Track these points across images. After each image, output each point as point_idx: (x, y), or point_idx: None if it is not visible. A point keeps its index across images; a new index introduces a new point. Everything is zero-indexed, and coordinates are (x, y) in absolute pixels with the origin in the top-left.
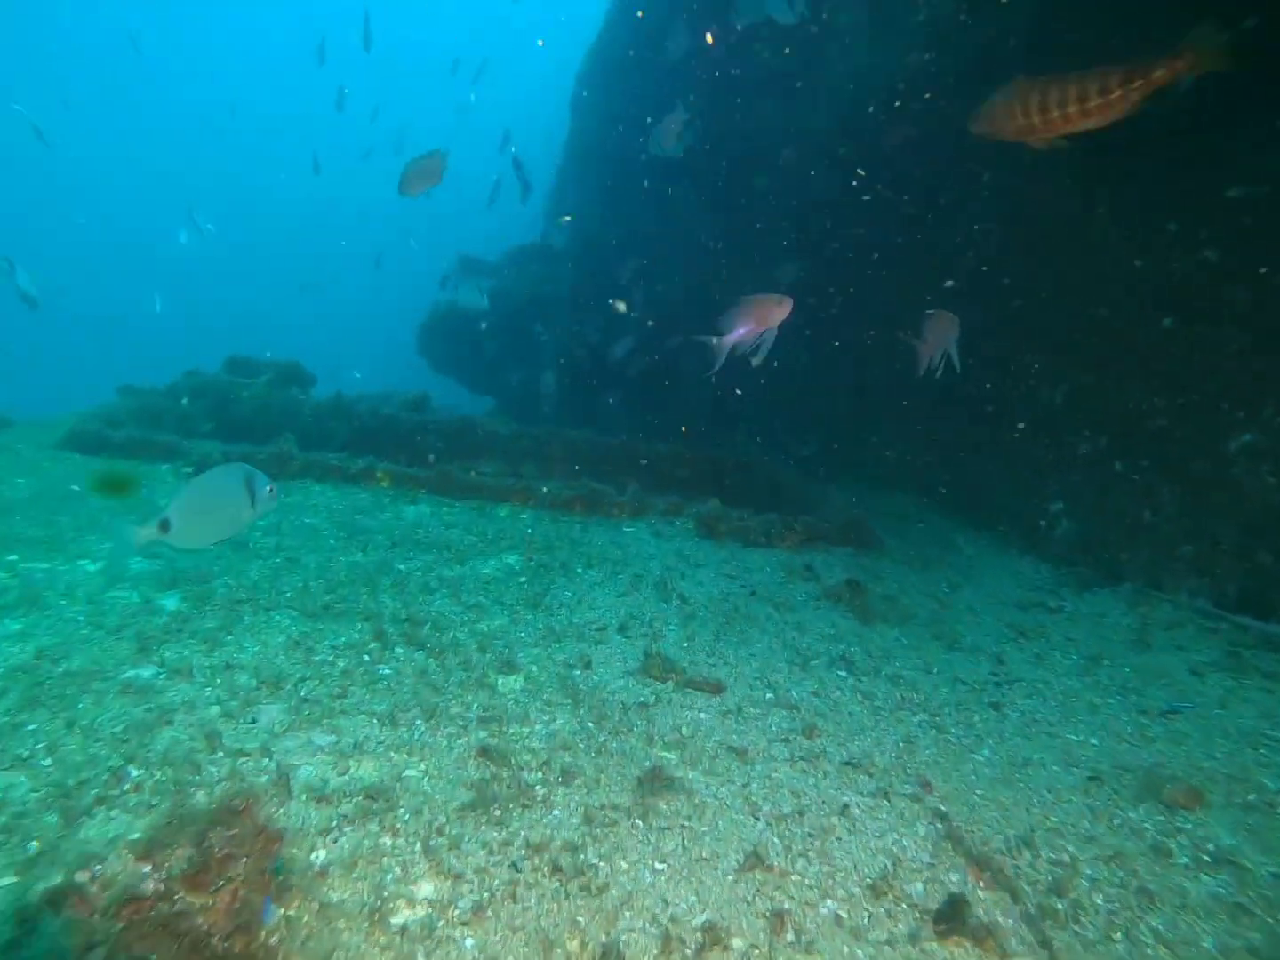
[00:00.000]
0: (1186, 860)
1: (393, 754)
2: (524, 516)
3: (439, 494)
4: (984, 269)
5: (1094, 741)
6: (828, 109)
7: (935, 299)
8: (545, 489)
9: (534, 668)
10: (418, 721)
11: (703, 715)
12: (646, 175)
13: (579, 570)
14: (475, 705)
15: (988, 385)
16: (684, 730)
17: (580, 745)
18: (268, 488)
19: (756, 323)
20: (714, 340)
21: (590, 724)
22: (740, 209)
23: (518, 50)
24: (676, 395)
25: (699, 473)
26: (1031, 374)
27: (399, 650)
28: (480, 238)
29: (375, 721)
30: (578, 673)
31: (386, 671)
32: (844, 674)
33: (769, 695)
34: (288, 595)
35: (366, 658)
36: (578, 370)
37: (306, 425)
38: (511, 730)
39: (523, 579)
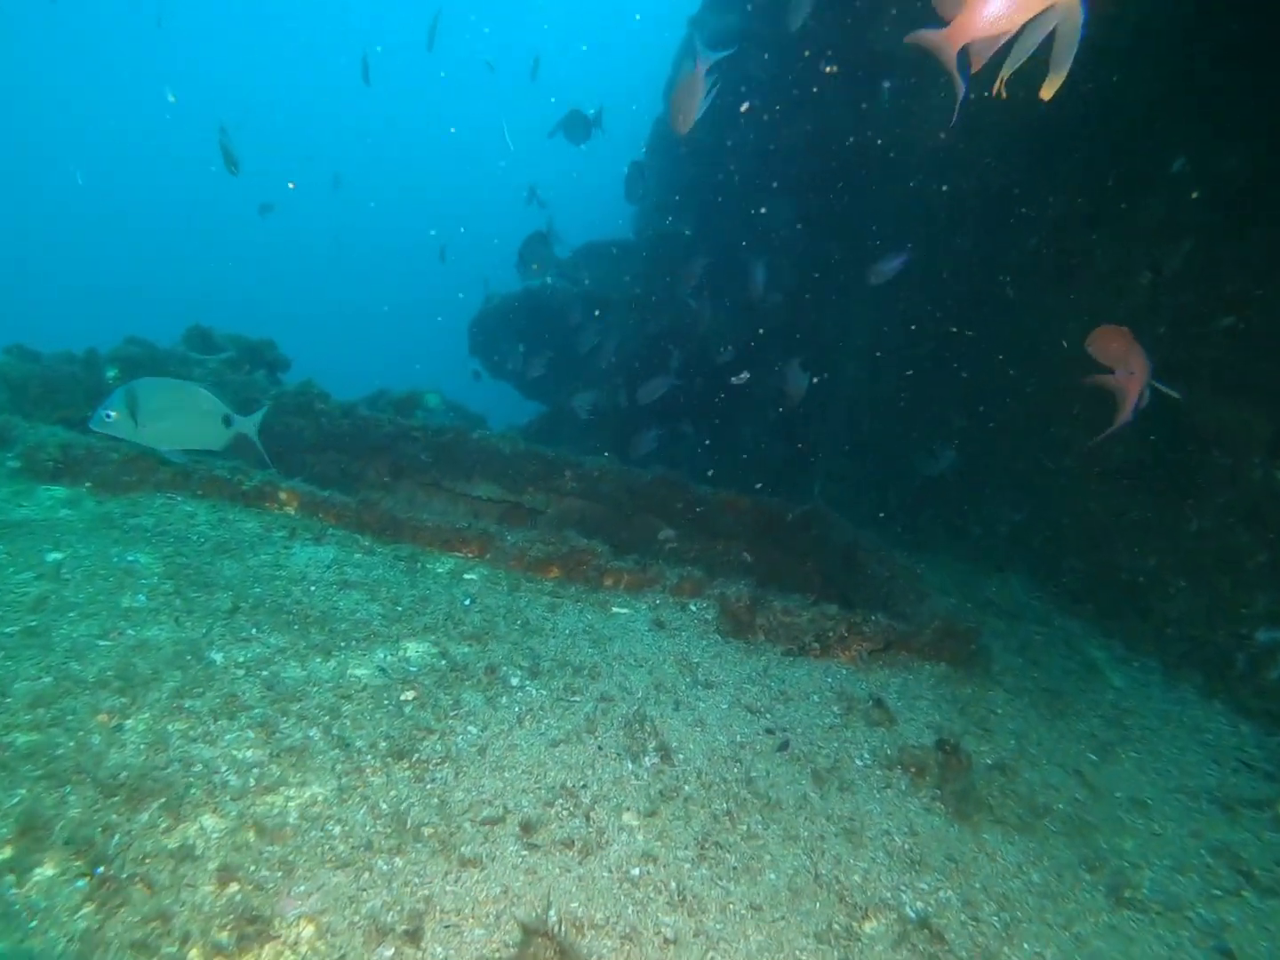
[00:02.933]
0: None
1: None
2: (470, 578)
3: (360, 531)
4: (1161, 281)
5: None
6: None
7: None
8: (510, 539)
9: (295, 955)
10: None
11: None
12: (736, 170)
13: (514, 682)
14: None
15: (1163, 443)
16: None
17: None
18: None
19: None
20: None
21: None
22: (845, 213)
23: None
24: (740, 431)
25: (749, 524)
26: (1238, 438)
27: None
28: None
29: None
30: None
31: None
32: None
33: None
34: None
35: None
36: (629, 384)
37: (265, 419)
38: None
39: (411, 695)
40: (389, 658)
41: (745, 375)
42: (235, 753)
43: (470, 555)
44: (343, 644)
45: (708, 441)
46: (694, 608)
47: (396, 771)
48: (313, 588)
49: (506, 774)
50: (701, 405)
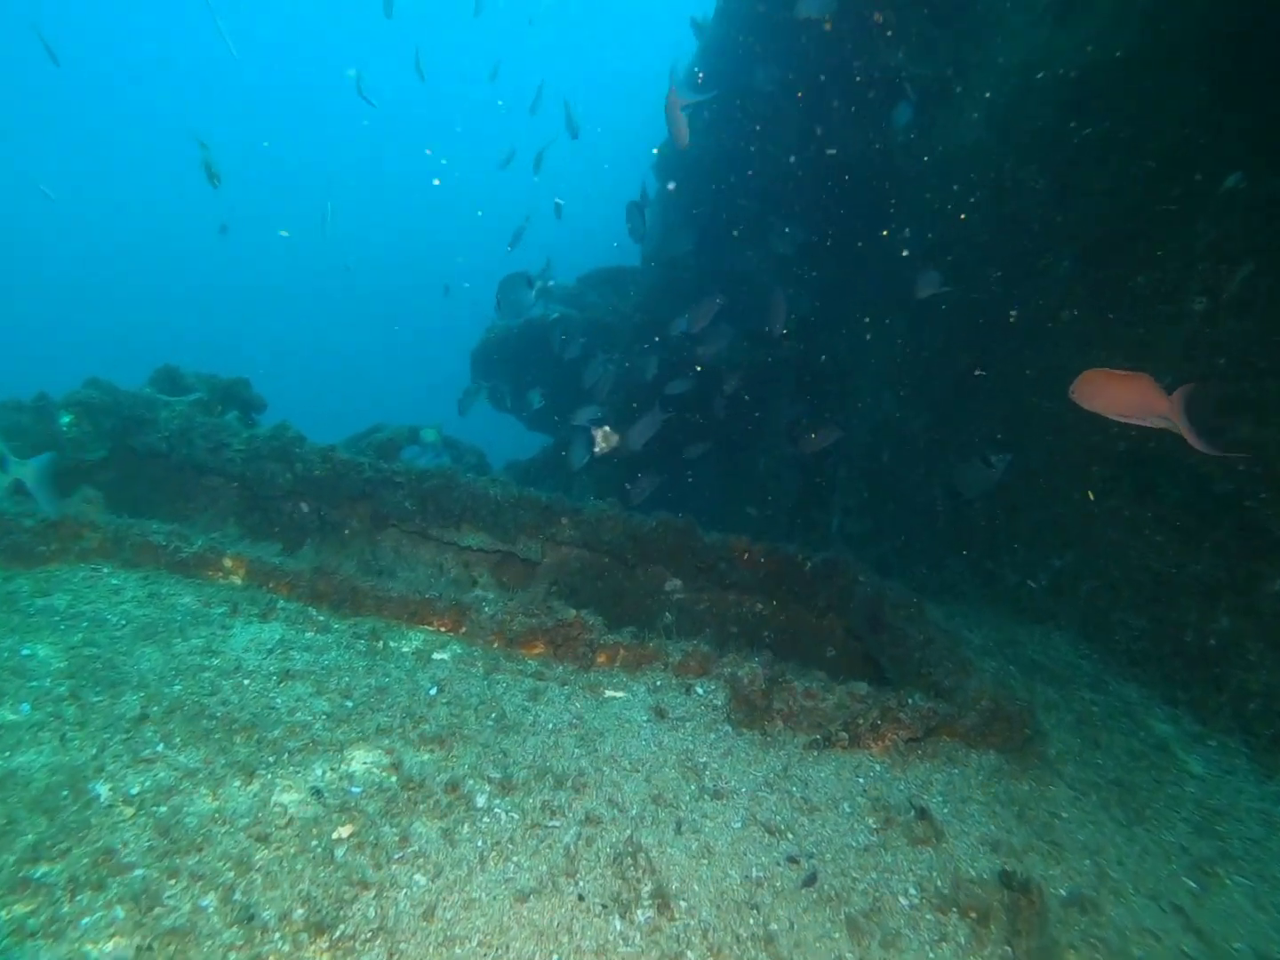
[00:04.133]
0: None
1: None
2: (440, 658)
3: (315, 603)
4: (1218, 307)
5: None
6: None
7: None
8: (487, 611)
9: None
10: None
11: None
12: (745, 195)
13: (480, 801)
14: None
15: (1229, 489)
16: None
17: None
18: None
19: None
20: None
21: None
22: (861, 236)
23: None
24: (752, 465)
25: (764, 574)
26: None
27: None
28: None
29: None
30: None
31: None
32: None
33: None
34: None
35: None
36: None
37: (236, 464)
38: None
39: (348, 831)
40: (328, 775)
41: (657, 422)
42: (88, 949)
43: (443, 629)
44: (272, 759)
45: (720, 475)
46: (700, 690)
47: (310, 958)
48: (247, 681)
49: (457, 949)
50: (714, 437)
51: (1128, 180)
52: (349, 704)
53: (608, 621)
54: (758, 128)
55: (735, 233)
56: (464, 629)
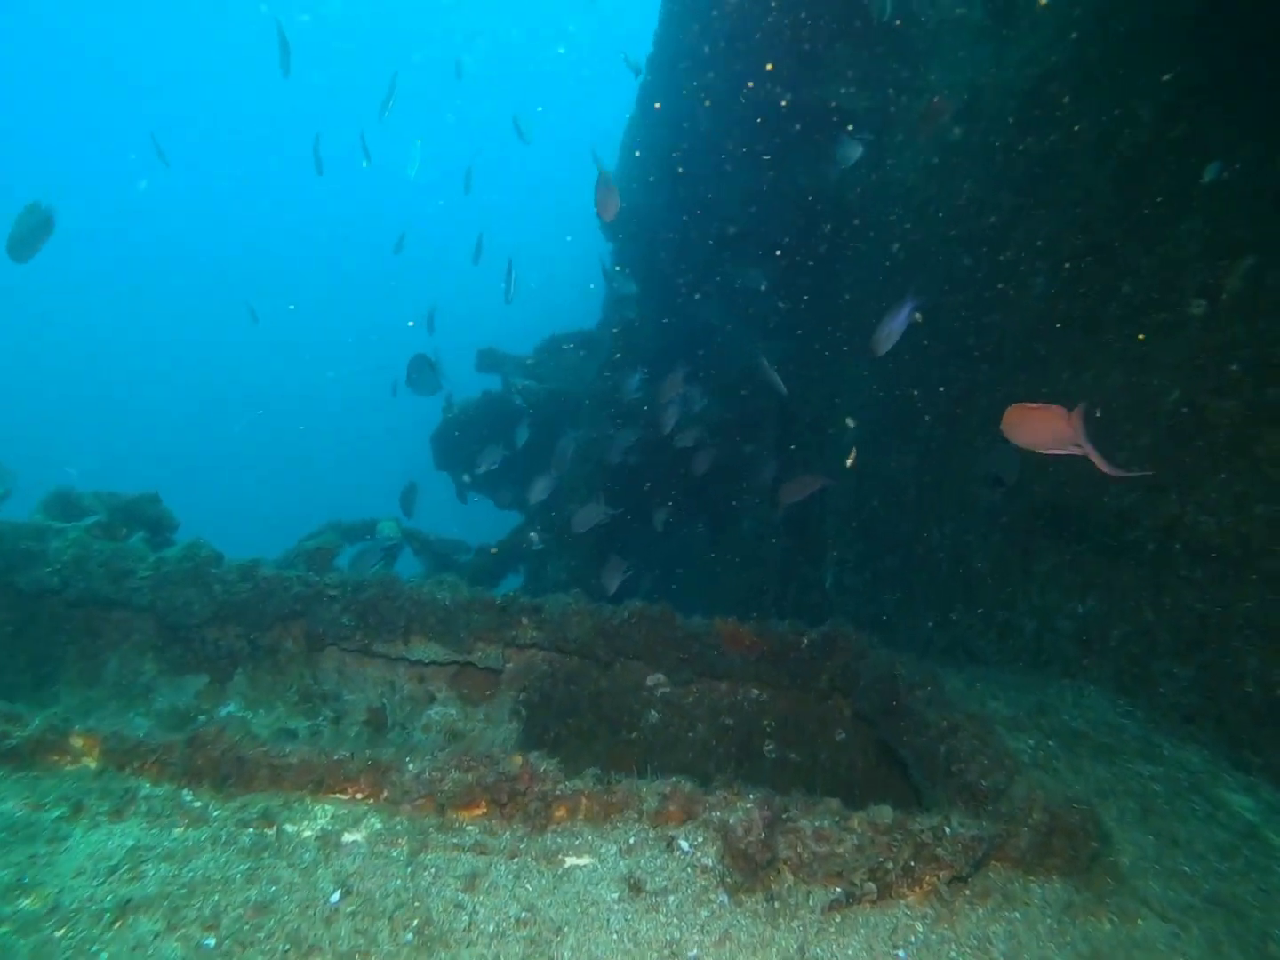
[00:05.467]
0: None
1: None
2: (352, 841)
3: (192, 784)
4: (1220, 308)
5: None
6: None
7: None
8: (412, 769)
9: None
10: None
11: None
12: (706, 252)
13: None
14: None
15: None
16: None
17: None
18: None
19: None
20: None
21: None
22: (822, 276)
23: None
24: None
25: (757, 659)
26: None
27: None
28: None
29: None
30: None
31: None
32: None
33: None
34: None
35: None
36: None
37: (143, 595)
38: None
39: None
40: None
41: (600, 512)
42: None
43: (358, 796)
44: None
45: (705, 541)
46: (685, 844)
47: None
48: (61, 931)
49: None
50: (693, 504)
51: (1096, 187)
52: (210, 942)
53: (586, 728)
54: (690, 172)
55: (692, 286)
56: (385, 794)
